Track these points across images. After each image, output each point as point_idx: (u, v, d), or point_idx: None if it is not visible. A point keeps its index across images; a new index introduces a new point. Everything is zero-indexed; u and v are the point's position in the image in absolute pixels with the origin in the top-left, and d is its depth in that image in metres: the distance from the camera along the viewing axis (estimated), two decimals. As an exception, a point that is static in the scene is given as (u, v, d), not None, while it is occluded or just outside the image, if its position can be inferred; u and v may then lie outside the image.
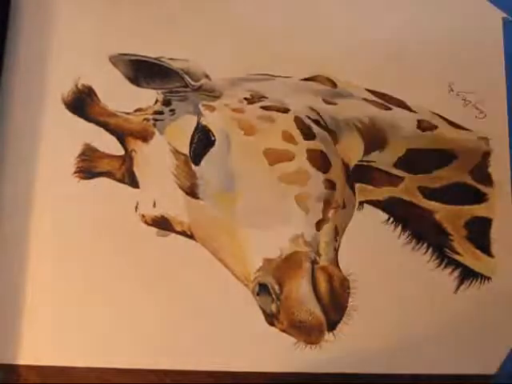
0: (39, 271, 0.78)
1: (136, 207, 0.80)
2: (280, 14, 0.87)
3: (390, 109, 0.83)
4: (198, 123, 0.81)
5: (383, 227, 0.81)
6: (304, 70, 0.85)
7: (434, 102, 0.84)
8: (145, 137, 0.82)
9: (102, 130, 0.82)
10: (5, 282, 0.77)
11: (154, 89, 0.83)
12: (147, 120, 0.82)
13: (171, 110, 0.83)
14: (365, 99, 0.84)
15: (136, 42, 0.85)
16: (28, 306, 0.77)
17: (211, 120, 0.81)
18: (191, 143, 0.81)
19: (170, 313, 0.77)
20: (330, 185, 0.79)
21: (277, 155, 0.79)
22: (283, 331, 0.76)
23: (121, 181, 0.81)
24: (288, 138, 0.80)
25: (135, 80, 0.83)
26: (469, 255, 0.82)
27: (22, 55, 0.84)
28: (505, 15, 0.87)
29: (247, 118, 0.81)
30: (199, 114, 0.82)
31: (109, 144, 0.82)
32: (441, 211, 0.81)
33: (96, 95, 0.83)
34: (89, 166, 0.81)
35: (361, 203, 0.82)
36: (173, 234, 0.80)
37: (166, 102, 0.83)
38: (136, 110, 0.83)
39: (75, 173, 0.81)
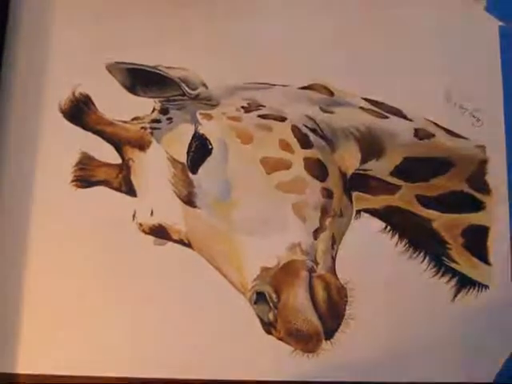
0: (37, 280, 0.78)
1: (133, 216, 0.80)
2: (277, 24, 0.88)
3: (386, 117, 0.84)
4: (196, 132, 0.81)
5: (380, 236, 0.81)
6: (301, 78, 0.85)
7: (431, 111, 0.84)
8: (142, 145, 0.82)
9: (99, 138, 0.82)
10: (3, 290, 0.77)
11: (152, 97, 0.83)
12: (144, 128, 0.82)
13: (168, 119, 0.83)
14: (361, 108, 0.84)
15: (133, 50, 0.85)
16: (26, 315, 0.77)
17: (208, 128, 0.81)
18: (188, 152, 0.81)
19: (168, 321, 0.77)
20: (327, 193, 0.79)
21: (274, 164, 0.80)
22: (280, 339, 0.76)
23: (118, 189, 0.81)
24: (285, 146, 0.80)
25: (132, 88, 0.83)
26: (466, 263, 0.82)
27: (19, 64, 0.84)
28: (501, 24, 0.87)
29: (244, 127, 0.81)
30: (196, 122, 0.82)
31: (106, 153, 0.82)
32: (438, 219, 0.81)
33: (93, 104, 0.83)
34: (86, 174, 0.81)
35: (358, 212, 0.82)
36: (170, 243, 0.80)
37: (164, 111, 0.83)
38: (133, 119, 0.83)
39: (72, 181, 0.81)
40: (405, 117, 0.84)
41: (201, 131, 0.81)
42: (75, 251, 0.79)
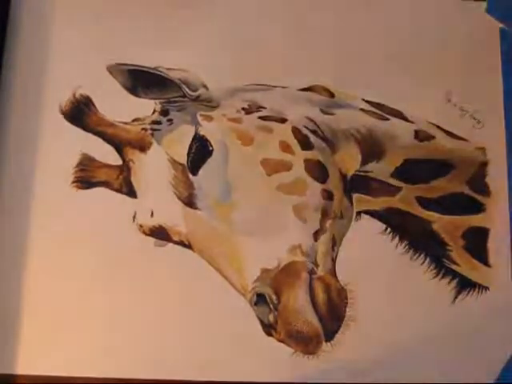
0: (37, 281, 0.78)
1: (134, 217, 0.80)
2: (278, 25, 0.88)
3: (387, 119, 0.84)
4: (196, 133, 0.81)
5: (381, 237, 0.81)
6: (301, 80, 0.85)
7: (432, 113, 0.84)
8: (142, 147, 0.82)
9: (99, 139, 0.82)
10: (3, 290, 0.77)
11: (152, 99, 0.83)
12: (145, 130, 0.82)
13: (169, 120, 0.83)
14: (362, 109, 0.84)
15: (134, 51, 0.85)
16: (26, 316, 0.77)
17: (209, 130, 0.81)
18: (189, 153, 0.81)
19: (168, 323, 0.77)
20: (328, 195, 0.79)
21: (274, 165, 0.80)
22: (281, 341, 0.76)
23: (118, 191, 0.81)
24: (285, 148, 0.80)
25: (133, 90, 0.83)
26: (466, 265, 0.82)
27: (19, 65, 0.84)
28: (502, 26, 0.88)
29: (245, 128, 0.81)
30: (197, 124, 0.82)
31: (106, 154, 0.82)
32: (438, 221, 0.81)
33: (94, 105, 0.83)
34: (86, 175, 0.81)
35: (358, 213, 0.82)
36: (170, 244, 0.80)
37: (164, 112, 0.83)
38: (134, 120, 0.83)
39: (73, 183, 0.81)
40: (405, 118, 0.84)
41: (201, 132, 0.81)
42: (75, 252, 0.79)
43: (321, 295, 0.75)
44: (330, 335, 0.76)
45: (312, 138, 0.82)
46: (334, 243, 0.78)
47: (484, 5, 0.89)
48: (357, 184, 0.82)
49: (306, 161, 0.80)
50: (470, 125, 0.85)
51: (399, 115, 0.84)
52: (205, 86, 0.84)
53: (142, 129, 0.83)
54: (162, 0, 0.88)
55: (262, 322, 0.76)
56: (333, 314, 0.75)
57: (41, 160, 0.81)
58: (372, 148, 0.82)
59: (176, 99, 0.83)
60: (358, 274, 0.78)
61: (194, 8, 0.88)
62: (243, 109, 0.83)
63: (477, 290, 0.81)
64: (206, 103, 0.83)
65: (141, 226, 0.80)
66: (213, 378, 0.76)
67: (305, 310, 0.74)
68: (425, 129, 0.84)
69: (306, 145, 0.81)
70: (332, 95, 0.85)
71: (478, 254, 0.82)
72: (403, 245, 0.81)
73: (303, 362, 0.76)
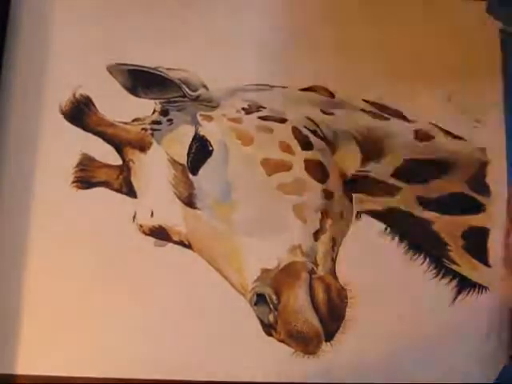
0: (37, 281, 0.78)
1: (134, 217, 0.80)
2: (278, 25, 0.88)
3: (387, 119, 0.84)
4: (196, 133, 0.81)
5: (381, 237, 0.81)
6: (301, 80, 0.85)
7: (431, 113, 0.84)
8: (142, 147, 0.82)
9: (99, 139, 0.82)
10: (3, 290, 0.77)
11: (152, 99, 0.83)
12: (145, 130, 0.82)
13: (169, 120, 0.83)
14: (362, 110, 0.84)
15: (134, 51, 0.85)
16: (26, 316, 0.77)
17: (209, 130, 0.81)
18: (189, 153, 0.81)
19: (168, 323, 0.77)
20: (328, 195, 0.79)
21: (274, 165, 0.80)
22: (281, 341, 0.76)
23: (118, 191, 0.81)
24: (285, 148, 0.80)
25: (133, 90, 0.83)
26: (466, 265, 0.82)
27: (19, 65, 0.84)
28: (502, 25, 0.88)
29: (245, 128, 0.81)
30: (197, 124, 0.82)
31: (106, 154, 0.82)
32: (438, 221, 0.81)
33: (94, 105, 0.83)
34: (87, 175, 0.81)
35: (358, 213, 0.82)
36: (170, 244, 0.80)
37: (164, 112, 0.83)
38: (134, 120, 0.83)
39: (73, 183, 0.81)
40: (405, 118, 0.84)
41: (201, 133, 0.81)
42: (75, 252, 0.79)
43: (321, 295, 0.75)
44: (329, 335, 0.76)
45: (312, 138, 0.82)
46: (334, 243, 0.78)
47: (484, 5, 0.89)
48: (357, 184, 0.82)
49: (306, 161, 0.80)
50: (470, 125, 0.85)
51: (399, 115, 0.84)
52: (205, 86, 0.84)
53: (142, 129, 0.83)
54: (162, 0, 0.88)
55: (262, 322, 0.76)
56: (333, 314, 0.75)
57: (41, 160, 0.81)
58: (372, 148, 0.82)
59: (176, 99, 0.83)
60: (358, 274, 0.78)
61: (194, 8, 0.88)
62: (243, 109, 0.83)
63: (477, 289, 0.81)
64: (206, 103, 0.83)
65: (141, 225, 0.80)
66: (213, 378, 0.76)
67: (305, 310, 0.74)
68: (425, 129, 0.84)
69: (305, 145, 0.81)
70: (332, 95, 0.85)
71: (477, 254, 0.82)
72: (403, 245, 0.81)
73: (303, 361, 0.76)
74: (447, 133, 0.84)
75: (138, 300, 0.77)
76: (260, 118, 0.82)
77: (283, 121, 0.82)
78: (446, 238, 0.81)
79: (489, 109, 0.85)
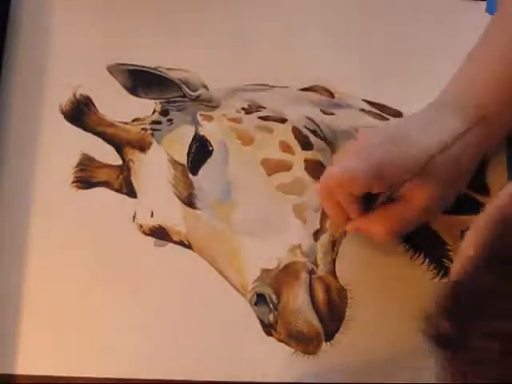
0: (37, 281, 0.78)
1: (134, 217, 0.80)
2: (278, 25, 0.88)
3: (387, 119, 0.84)
4: (196, 133, 0.81)
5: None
6: (301, 80, 0.85)
7: (432, 113, 0.84)
8: (142, 147, 0.82)
9: (99, 139, 0.82)
10: (3, 290, 0.77)
11: (152, 99, 0.83)
12: (145, 130, 0.82)
13: (169, 120, 0.83)
14: (362, 110, 0.84)
15: (134, 51, 0.85)
16: (26, 316, 0.77)
17: (209, 130, 0.81)
18: (189, 153, 0.81)
19: (167, 323, 0.77)
20: (328, 195, 0.79)
21: (274, 165, 0.80)
22: (281, 341, 0.76)
23: (118, 191, 0.81)
24: (286, 148, 0.80)
25: (133, 90, 0.84)
26: (466, 265, 0.81)
27: (19, 65, 0.84)
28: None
29: (245, 128, 0.81)
30: (197, 123, 0.82)
31: (106, 154, 0.82)
32: (438, 221, 0.81)
33: (94, 105, 0.83)
34: (86, 175, 0.81)
35: (358, 213, 0.81)
36: (170, 244, 0.79)
37: (164, 112, 0.83)
38: (134, 120, 0.83)
39: (73, 183, 0.81)
40: (405, 118, 0.84)
41: (201, 133, 0.81)
42: (75, 252, 0.79)
43: (321, 295, 0.75)
44: (329, 335, 0.76)
45: (312, 138, 0.82)
46: (334, 243, 0.78)
47: (484, 5, 0.89)
48: (357, 184, 0.82)
49: (306, 161, 0.80)
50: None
51: (399, 115, 0.84)
52: (205, 86, 0.84)
53: (142, 129, 0.83)
54: (163, 0, 0.88)
55: (262, 322, 0.76)
56: (333, 314, 0.75)
57: (41, 160, 0.81)
58: (372, 148, 0.82)
59: (176, 99, 0.83)
60: (358, 274, 0.78)
61: (194, 8, 0.88)
62: (243, 109, 0.83)
63: (477, 289, 0.81)
64: (206, 103, 0.83)
65: (141, 225, 0.80)
66: (213, 378, 0.76)
67: (305, 309, 0.74)
68: (425, 129, 0.84)
69: (306, 145, 0.81)
70: (332, 95, 0.85)
71: (477, 254, 0.82)
72: (403, 245, 0.81)
73: (303, 361, 0.76)
74: (447, 133, 0.84)
75: (137, 300, 0.77)
76: (260, 117, 0.82)
77: (283, 121, 0.82)
78: (446, 237, 0.81)
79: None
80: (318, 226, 0.78)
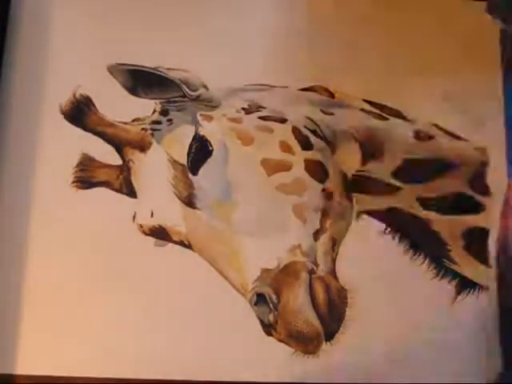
0: (37, 281, 0.78)
1: (134, 217, 0.80)
2: (278, 25, 0.88)
3: (386, 119, 0.84)
4: (196, 133, 0.81)
5: (381, 237, 0.81)
6: (301, 80, 0.85)
7: (431, 112, 0.84)
8: (142, 147, 0.82)
9: (99, 139, 0.82)
10: (3, 291, 0.77)
11: (152, 99, 0.83)
12: (145, 130, 0.82)
13: (169, 120, 0.83)
14: (362, 109, 0.84)
15: (134, 51, 0.85)
16: (26, 316, 0.77)
17: (209, 130, 0.81)
18: (189, 153, 0.81)
19: (167, 323, 0.77)
20: (328, 195, 0.79)
21: (274, 165, 0.80)
22: (281, 341, 0.76)
23: (118, 191, 0.81)
24: (286, 148, 0.80)
25: (133, 90, 0.83)
26: (466, 265, 0.82)
27: (20, 65, 0.84)
28: (502, 25, 0.88)
29: (245, 128, 0.81)
30: (197, 123, 0.82)
31: (106, 154, 0.82)
32: (438, 221, 0.81)
33: (94, 105, 0.83)
34: (87, 175, 0.81)
35: (358, 213, 0.82)
36: (170, 244, 0.79)
37: (164, 112, 0.83)
38: (134, 120, 0.83)
39: (73, 182, 0.81)
40: (405, 118, 0.84)
41: (201, 132, 0.81)
42: (75, 252, 0.79)
43: (321, 295, 0.75)
44: (329, 335, 0.76)
45: (312, 138, 0.82)
46: (334, 243, 0.78)
47: (484, 5, 0.89)
48: (357, 184, 0.82)
49: (306, 161, 0.80)
50: (469, 125, 0.85)
51: (399, 115, 0.84)
52: (205, 86, 0.84)
53: (142, 129, 0.83)
54: (163, 1, 0.88)
55: (262, 322, 0.76)
56: (333, 314, 0.75)
57: (41, 160, 0.81)
58: (372, 148, 0.82)
59: (176, 99, 0.83)
60: (358, 274, 0.78)
61: (195, 8, 0.88)
62: (243, 109, 0.83)
63: (477, 290, 0.81)
64: (206, 103, 0.83)
65: (141, 225, 0.80)
66: (213, 378, 0.76)
67: (305, 309, 0.74)
68: (425, 129, 0.84)
69: (305, 145, 0.81)
70: (332, 95, 0.85)
71: (477, 254, 0.82)
72: (403, 245, 0.81)
73: (303, 361, 0.76)
74: (447, 133, 0.84)
75: (137, 300, 0.77)
76: (260, 117, 0.82)
77: (283, 121, 0.82)
78: (446, 237, 0.81)
79: (489, 109, 0.85)
80: (317, 226, 0.78)
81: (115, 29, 0.86)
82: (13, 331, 0.76)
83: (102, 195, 0.81)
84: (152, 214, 0.80)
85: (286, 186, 0.79)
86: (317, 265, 0.77)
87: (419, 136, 0.84)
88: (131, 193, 0.81)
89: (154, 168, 0.81)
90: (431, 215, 0.81)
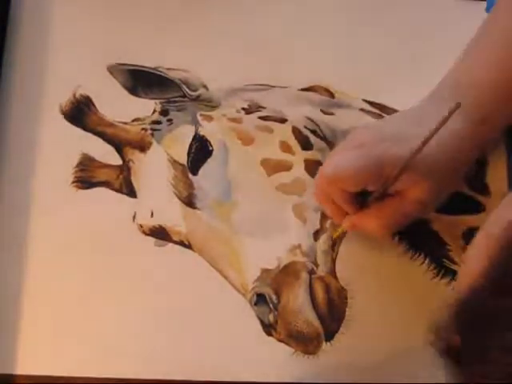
0: (37, 281, 0.78)
1: (134, 217, 0.80)
2: (278, 25, 0.88)
3: (387, 119, 0.84)
4: (196, 133, 0.81)
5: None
6: (301, 80, 0.85)
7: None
8: (142, 147, 0.82)
9: (99, 139, 0.82)
10: (2, 291, 0.77)
11: (152, 99, 0.83)
12: (145, 130, 0.82)
13: (169, 120, 0.83)
14: (362, 110, 0.84)
15: (134, 51, 0.85)
16: (26, 316, 0.76)
17: (209, 130, 0.81)
18: (189, 153, 0.81)
19: (167, 323, 0.77)
20: (328, 195, 0.79)
21: (274, 165, 0.80)
22: (281, 341, 0.76)
23: (118, 191, 0.81)
24: (286, 148, 0.81)
25: (133, 90, 0.84)
26: (466, 265, 0.81)
27: (20, 65, 0.84)
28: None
29: (245, 128, 0.81)
30: (197, 123, 0.82)
31: (106, 154, 0.82)
32: (438, 221, 0.81)
33: (94, 105, 0.83)
34: (87, 175, 0.81)
35: (358, 213, 0.81)
36: (170, 244, 0.79)
37: (164, 112, 0.83)
38: (134, 120, 0.83)
39: (73, 183, 0.81)
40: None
41: (201, 132, 0.81)
42: (75, 252, 0.78)
43: (321, 295, 0.75)
44: (330, 335, 0.76)
45: (312, 138, 0.82)
46: (334, 243, 0.78)
47: (484, 5, 0.89)
48: (357, 184, 0.82)
49: (306, 161, 0.80)
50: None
51: (399, 115, 0.84)
52: (205, 86, 0.84)
53: (142, 129, 0.83)
54: (163, 0, 0.88)
55: (262, 322, 0.76)
56: (333, 314, 0.76)
57: (41, 160, 0.81)
58: (372, 148, 0.82)
59: (176, 99, 0.83)
60: (359, 274, 0.78)
61: (195, 8, 0.88)
62: (243, 109, 0.83)
63: (477, 289, 0.81)
64: (206, 103, 0.83)
65: (141, 225, 0.80)
66: (212, 378, 0.76)
67: (305, 309, 0.74)
68: (424, 129, 0.84)
69: (306, 145, 0.81)
70: (332, 95, 0.85)
71: (477, 254, 0.82)
72: (403, 244, 0.81)
73: (303, 361, 0.76)
74: (447, 133, 0.84)
75: (137, 300, 0.77)
76: (260, 117, 0.82)
77: (283, 121, 0.82)
78: (446, 237, 0.81)
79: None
80: (318, 226, 0.78)
81: (115, 29, 0.86)
82: (13, 331, 0.76)
83: (102, 195, 0.80)
84: (152, 213, 0.80)
85: (285, 185, 0.79)
86: (317, 265, 0.77)
87: (419, 136, 0.83)
88: (131, 193, 0.81)
89: (154, 168, 0.81)
90: (431, 215, 0.81)
